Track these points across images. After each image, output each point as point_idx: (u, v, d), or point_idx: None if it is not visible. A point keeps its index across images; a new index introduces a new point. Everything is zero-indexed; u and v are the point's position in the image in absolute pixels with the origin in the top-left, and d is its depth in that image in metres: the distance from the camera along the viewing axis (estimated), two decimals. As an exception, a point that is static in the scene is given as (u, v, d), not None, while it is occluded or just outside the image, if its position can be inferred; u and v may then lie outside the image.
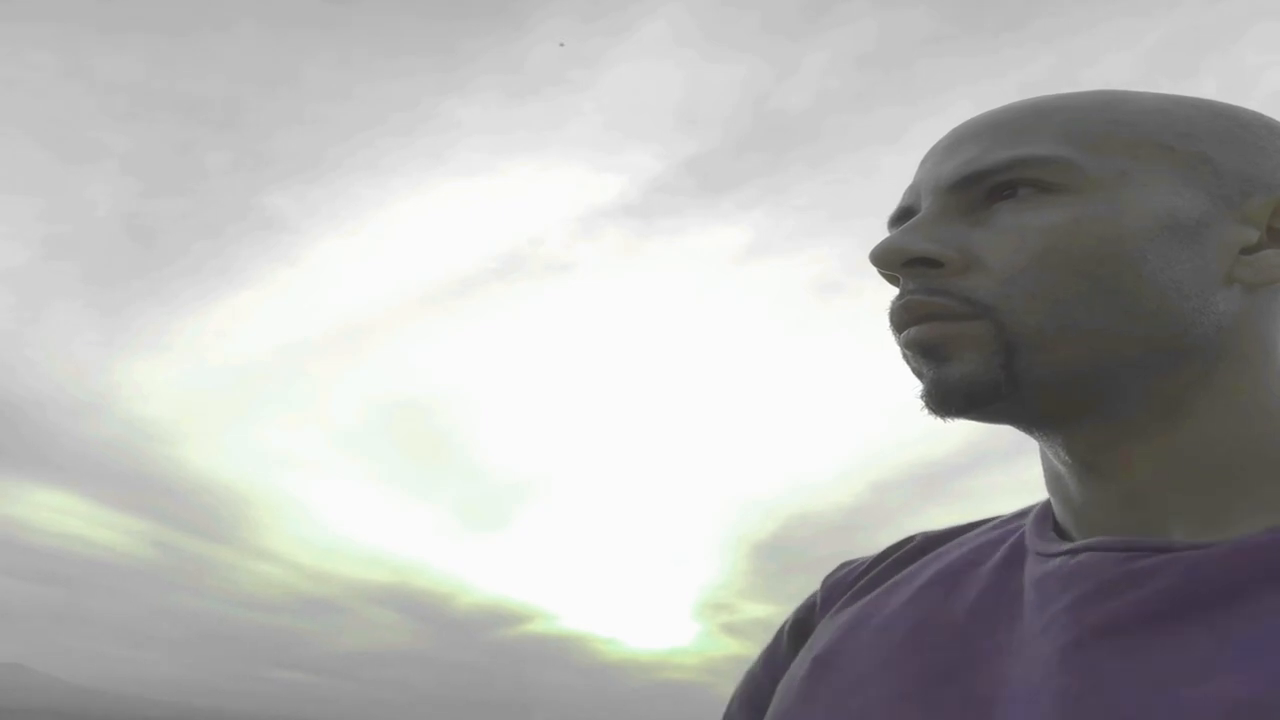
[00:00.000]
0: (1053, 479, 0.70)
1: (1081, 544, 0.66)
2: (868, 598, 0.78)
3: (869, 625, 0.74)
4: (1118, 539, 0.65)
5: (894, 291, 0.69)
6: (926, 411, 0.67)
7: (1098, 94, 0.68)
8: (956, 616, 0.70)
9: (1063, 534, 0.70)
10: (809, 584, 0.87)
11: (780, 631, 0.85)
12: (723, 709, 0.87)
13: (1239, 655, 0.57)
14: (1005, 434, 0.70)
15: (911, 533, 0.84)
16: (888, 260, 0.67)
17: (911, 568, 0.78)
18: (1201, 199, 0.64)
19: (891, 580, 0.78)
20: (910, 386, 0.68)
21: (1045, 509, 0.73)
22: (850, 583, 0.82)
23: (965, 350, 0.64)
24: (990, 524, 0.79)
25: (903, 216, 0.72)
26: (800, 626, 0.84)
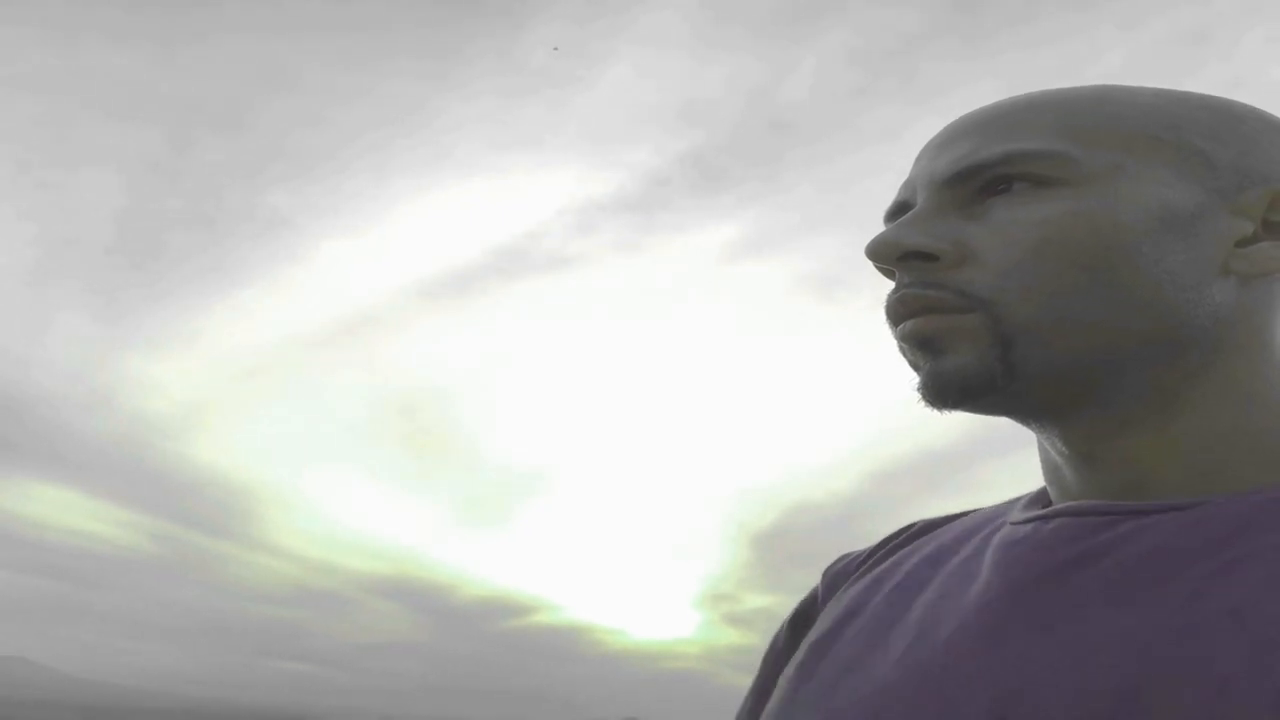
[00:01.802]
0: (1050, 469, 0.71)
1: (1055, 509, 0.67)
2: (860, 585, 0.79)
3: (860, 613, 0.75)
4: (1091, 503, 0.66)
5: (890, 285, 0.70)
6: (923, 404, 0.67)
7: (1092, 88, 0.69)
8: (930, 598, 0.71)
9: None
10: (810, 574, 0.88)
11: (784, 624, 0.87)
12: (725, 697, 0.88)
13: (1216, 618, 0.57)
14: (1004, 425, 0.70)
15: (909, 522, 0.85)
16: (883, 254, 0.68)
17: (902, 553, 0.79)
18: (1196, 192, 0.65)
19: (883, 567, 0.79)
20: (908, 379, 0.68)
21: (1040, 493, 0.74)
22: (850, 573, 0.83)
23: (961, 343, 0.65)
24: (984, 511, 0.79)
25: (898, 211, 0.72)
26: (801, 617, 0.85)
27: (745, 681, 0.88)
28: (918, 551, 0.78)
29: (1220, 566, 0.59)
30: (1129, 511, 0.64)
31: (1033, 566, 0.65)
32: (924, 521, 0.83)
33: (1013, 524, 0.70)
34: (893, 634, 0.70)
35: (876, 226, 0.72)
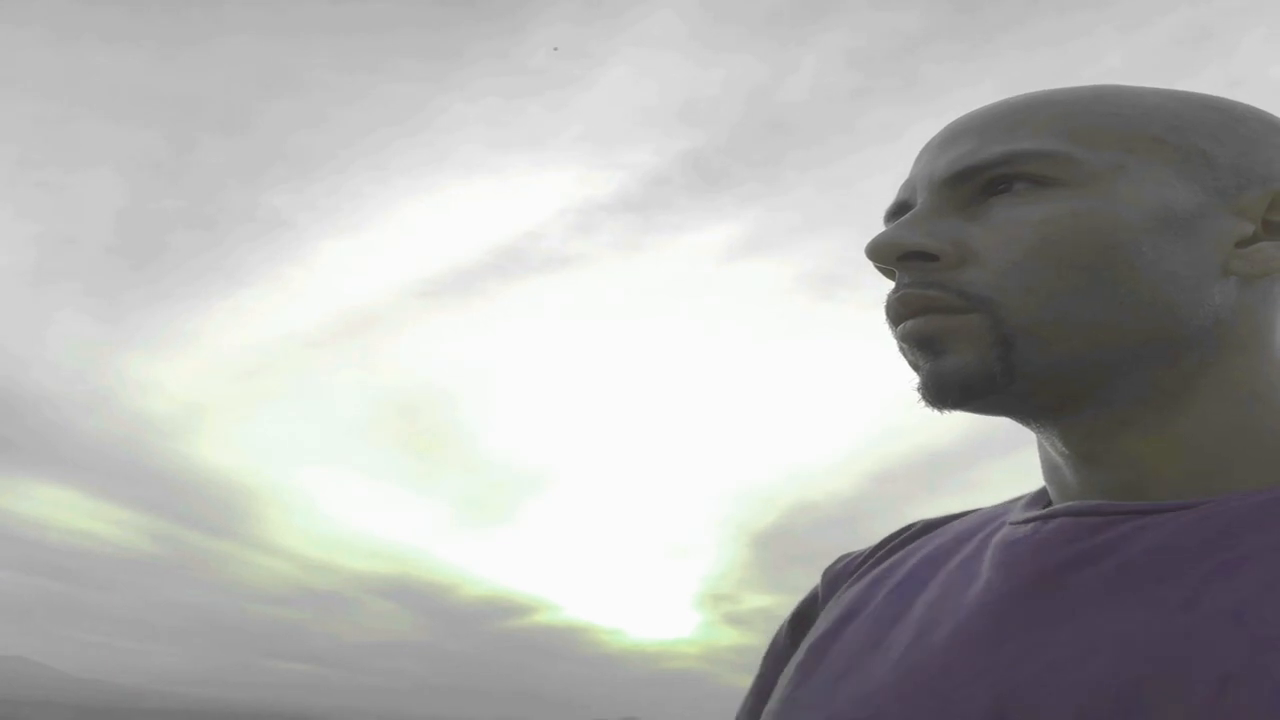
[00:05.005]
0: (1050, 469, 0.71)
1: (1054, 509, 0.67)
2: (860, 585, 0.79)
3: (860, 613, 0.75)
4: (1091, 503, 0.66)
5: (891, 285, 0.70)
6: (923, 404, 0.67)
7: (1092, 88, 0.69)
8: (930, 598, 0.71)
9: None
10: (809, 574, 0.88)
11: (784, 624, 0.87)
12: (725, 697, 0.88)
13: (1216, 618, 0.57)
14: (1004, 424, 0.70)
15: (910, 522, 0.85)
16: (883, 254, 0.68)
17: (903, 553, 0.79)
18: (1197, 192, 0.65)
19: (883, 567, 0.79)
20: (908, 378, 0.68)
21: (1039, 494, 0.74)
22: (849, 573, 0.83)
23: (961, 343, 0.65)
24: (985, 511, 0.80)
25: (898, 211, 0.72)
26: (800, 619, 0.85)
27: (745, 681, 0.88)
28: (918, 551, 0.78)
29: (1220, 566, 0.59)
30: (1129, 511, 0.64)
31: (1032, 566, 0.65)
32: (924, 521, 0.83)
33: (1012, 524, 0.70)
34: (892, 634, 0.70)
35: (876, 226, 0.72)
